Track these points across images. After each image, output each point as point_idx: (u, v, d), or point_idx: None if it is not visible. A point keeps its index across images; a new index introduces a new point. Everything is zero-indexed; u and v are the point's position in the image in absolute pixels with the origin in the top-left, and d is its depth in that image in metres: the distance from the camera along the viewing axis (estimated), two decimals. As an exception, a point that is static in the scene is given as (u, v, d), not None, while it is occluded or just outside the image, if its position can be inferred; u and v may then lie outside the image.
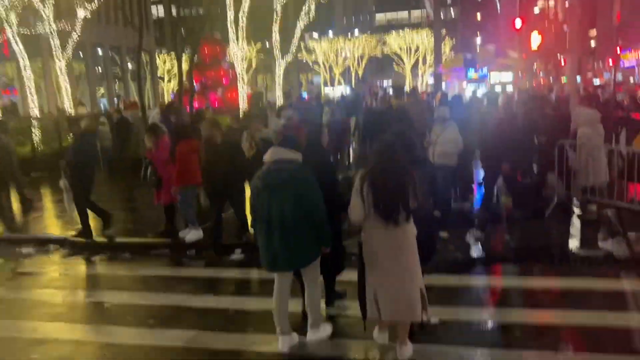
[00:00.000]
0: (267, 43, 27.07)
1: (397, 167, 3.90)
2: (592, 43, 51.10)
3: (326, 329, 4.69)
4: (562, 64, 69.86)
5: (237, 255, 7.15)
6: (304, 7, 15.83)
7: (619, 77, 51.78)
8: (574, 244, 6.82)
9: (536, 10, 58.16)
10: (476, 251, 6.73)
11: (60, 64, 15.65)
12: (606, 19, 67.27)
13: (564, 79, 54.19)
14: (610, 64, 60.96)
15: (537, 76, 51.33)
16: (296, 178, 4.10)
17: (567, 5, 10.71)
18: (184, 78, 17.39)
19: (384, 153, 3.95)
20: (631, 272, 6.05)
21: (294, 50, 15.97)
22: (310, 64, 53.60)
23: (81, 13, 17.28)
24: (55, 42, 15.52)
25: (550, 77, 63.64)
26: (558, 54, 65.87)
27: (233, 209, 7.20)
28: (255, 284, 6.44)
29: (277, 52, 15.88)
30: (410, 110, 9.72)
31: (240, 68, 15.31)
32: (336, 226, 4.65)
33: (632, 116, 9.84)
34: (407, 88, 26.04)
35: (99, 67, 46.66)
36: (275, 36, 15.47)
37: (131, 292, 6.25)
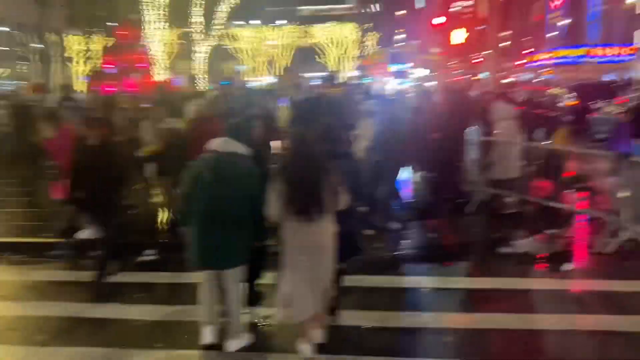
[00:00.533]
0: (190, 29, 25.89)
1: (312, 160, 3.81)
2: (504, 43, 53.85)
3: (247, 338, 4.34)
4: (479, 61, 73.34)
5: (147, 256, 6.52)
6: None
7: (529, 76, 55.23)
8: (494, 241, 6.86)
9: (457, 7, 60.59)
10: (400, 249, 6.58)
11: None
12: (521, 20, 71.20)
13: (480, 76, 56.75)
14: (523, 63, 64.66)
15: (453, 74, 53.41)
16: (250, 175, 3.97)
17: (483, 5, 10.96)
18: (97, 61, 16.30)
19: (298, 146, 3.87)
20: (548, 269, 6.15)
21: (217, 34, 15.19)
22: (234, 51, 52.40)
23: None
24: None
25: (467, 75, 66.76)
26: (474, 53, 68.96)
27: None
28: (166, 290, 5.84)
29: (197, 36, 15.05)
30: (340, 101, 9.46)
31: (157, 50, 14.33)
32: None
33: (549, 114, 10.18)
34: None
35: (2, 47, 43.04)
36: (195, 18, 14.64)
37: (19, 301, 5.47)
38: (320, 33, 51.34)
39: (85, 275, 5.73)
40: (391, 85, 19.89)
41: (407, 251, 6.60)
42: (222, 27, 15.24)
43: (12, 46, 42.84)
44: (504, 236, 6.92)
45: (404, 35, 59.72)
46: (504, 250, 6.64)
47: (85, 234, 6.73)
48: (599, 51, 44.46)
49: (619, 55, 44.02)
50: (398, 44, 41.51)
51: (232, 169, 3.97)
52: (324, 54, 52.05)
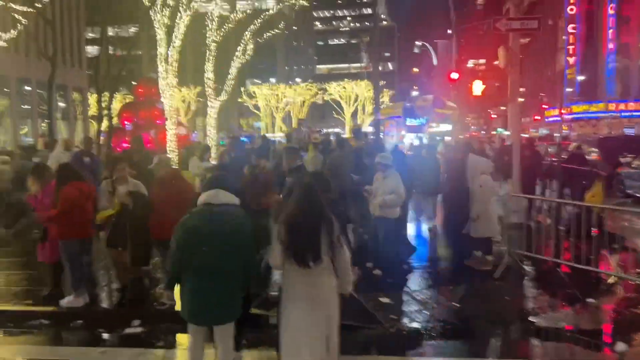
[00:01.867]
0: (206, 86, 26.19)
1: (314, 210, 3.85)
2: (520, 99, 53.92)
3: None
4: (492, 117, 73.66)
5: (135, 328, 5.83)
6: (239, 47, 15.07)
7: (544, 131, 54.98)
8: (527, 312, 6.03)
9: (469, 64, 61.27)
10: (423, 322, 5.75)
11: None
12: (536, 75, 71.64)
13: (497, 131, 56.59)
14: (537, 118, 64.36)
15: (469, 129, 53.32)
16: (242, 225, 3.93)
17: (504, 58, 10.72)
18: (114, 117, 16.34)
19: (301, 196, 3.93)
20: (596, 350, 5.30)
21: (229, 90, 15.07)
22: (251, 107, 53.30)
23: (-1, 43, 15.66)
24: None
25: (482, 131, 66.71)
26: (488, 110, 69.10)
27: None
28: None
29: (209, 91, 14.91)
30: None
31: (168, 105, 14.18)
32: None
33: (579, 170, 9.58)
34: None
35: (26, 104, 44.18)
36: (208, 74, 14.56)
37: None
38: (336, 90, 52.04)
39: (64, 352, 5.04)
40: (407, 139, 19.51)
41: (428, 324, 5.74)
42: (232, 83, 15.11)
43: (35, 104, 43.96)
44: (537, 306, 6.11)
45: (417, 93, 60.31)
46: (538, 322, 5.75)
47: (71, 301, 6.12)
48: (620, 106, 44.09)
49: (638, 110, 43.56)
50: (413, 99, 41.73)
51: (227, 220, 3.88)
52: (341, 110, 52.56)
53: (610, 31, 50.99)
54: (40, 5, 14.91)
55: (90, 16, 50.47)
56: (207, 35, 14.17)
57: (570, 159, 10.62)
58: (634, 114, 43.51)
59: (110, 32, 17.43)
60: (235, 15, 14.73)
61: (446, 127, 21.58)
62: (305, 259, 3.75)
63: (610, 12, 50.78)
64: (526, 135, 26.46)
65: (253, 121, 59.78)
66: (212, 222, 3.83)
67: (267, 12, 15.24)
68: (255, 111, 53.38)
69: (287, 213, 3.91)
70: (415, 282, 6.99)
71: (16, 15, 14.57)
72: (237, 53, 14.82)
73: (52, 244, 6.14)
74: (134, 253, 6.08)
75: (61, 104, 48.72)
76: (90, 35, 54.49)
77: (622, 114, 43.62)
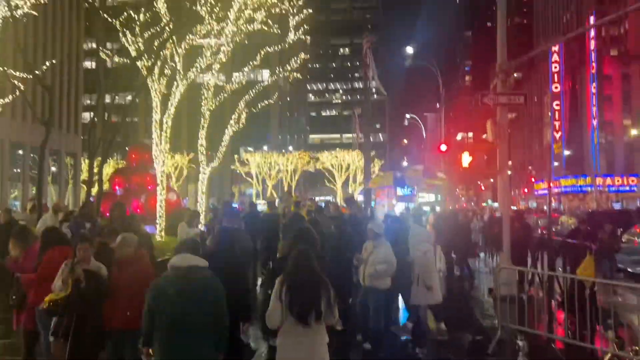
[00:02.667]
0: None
1: (313, 271, 4.22)
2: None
3: None
4: (482, 189, 74.62)
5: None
6: (233, 115, 15.37)
7: (533, 204, 55.56)
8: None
9: (458, 136, 62.80)
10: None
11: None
12: (523, 150, 73.26)
13: (486, 203, 57.09)
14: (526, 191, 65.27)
15: (460, 200, 53.80)
16: (210, 286, 4.11)
17: (492, 131, 11.04)
18: (105, 182, 16.32)
19: (300, 257, 4.28)
20: None
21: (221, 157, 15.21)
22: (244, 175, 53.66)
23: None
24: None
25: (472, 202, 67.37)
26: (478, 181, 70.13)
27: None
28: None
29: (202, 157, 15.03)
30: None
31: (160, 171, 14.22)
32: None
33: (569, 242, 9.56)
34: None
35: (18, 168, 44.26)
36: (201, 141, 14.74)
37: None
38: (328, 159, 52.75)
39: None
40: (397, 208, 19.59)
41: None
42: (224, 150, 15.31)
43: (27, 169, 43.99)
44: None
45: (406, 163, 61.35)
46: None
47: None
48: (607, 180, 44.98)
49: (624, 185, 44.37)
50: (403, 169, 42.39)
51: (192, 283, 4.06)
52: (332, 179, 53.03)
53: (594, 109, 52.95)
54: (39, 73, 15.27)
55: (88, 83, 51.87)
56: (202, 103, 14.48)
57: (572, 233, 10.48)
58: (620, 188, 44.29)
59: (107, 99, 17.80)
60: (230, 85, 15.14)
61: (433, 197, 21.77)
62: (307, 317, 4.02)
63: (593, 90, 52.97)
64: (515, 208, 26.71)
65: (245, 188, 59.98)
66: (176, 283, 4.03)
67: (261, 84, 15.68)
68: (248, 178, 53.70)
69: (287, 272, 4.22)
70: (406, 357, 6.74)
71: (15, 82, 14.86)
72: (231, 121, 15.08)
73: (29, 311, 5.90)
74: (76, 344, 5.02)
75: (53, 169, 48.91)
76: (87, 102, 55.66)
77: (610, 188, 44.41)
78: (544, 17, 71.94)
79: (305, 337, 4.06)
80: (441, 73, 27.40)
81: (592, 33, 51.98)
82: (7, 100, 16.51)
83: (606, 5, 50.44)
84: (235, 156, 54.68)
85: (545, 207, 32.87)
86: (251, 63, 15.38)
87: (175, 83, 13.76)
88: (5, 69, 14.27)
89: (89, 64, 57.17)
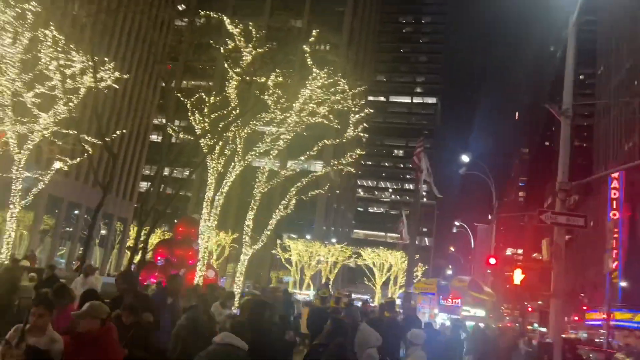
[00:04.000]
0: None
1: None
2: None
3: None
4: (529, 310, 70.75)
5: None
6: (283, 201, 15.52)
7: (584, 334, 51.88)
8: None
9: (508, 251, 60.66)
10: None
11: (12, 211, 14.45)
12: (576, 276, 69.96)
13: (533, 326, 53.81)
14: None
15: (504, 319, 50.99)
16: None
17: (547, 250, 10.63)
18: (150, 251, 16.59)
19: (338, 353, 4.76)
20: None
21: (264, 240, 15.19)
22: (283, 261, 53.37)
23: (56, 165, 16.80)
24: (17, 186, 14.53)
25: (517, 323, 63.63)
26: (525, 302, 66.77)
27: None
28: None
29: (246, 238, 15.07)
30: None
31: (203, 247, 14.29)
32: None
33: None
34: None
35: (70, 227, 45.90)
36: (248, 222, 14.86)
37: None
38: (370, 256, 51.93)
39: None
40: (438, 318, 18.65)
41: None
42: (269, 234, 15.32)
43: (79, 229, 45.57)
44: None
45: (450, 272, 59.45)
46: None
47: None
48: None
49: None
50: (447, 278, 40.96)
51: (226, 358, 4.20)
52: (371, 277, 51.86)
53: (654, 240, 50.40)
54: (108, 139, 16.17)
55: (151, 155, 54.68)
56: (255, 186, 14.77)
57: None
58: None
59: (166, 171, 18.58)
60: (285, 172, 15.46)
61: (479, 312, 20.65)
62: None
63: (653, 221, 50.76)
64: (566, 336, 24.89)
65: (283, 275, 59.36)
66: (212, 356, 4.19)
67: (314, 173, 15.92)
68: (287, 265, 53.27)
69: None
70: None
71: (85, 146, 15.75)
72: (280, 207, 15.22)
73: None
74: None
75: (103, 232, 50.49)
76: (147, 172, 58.29)
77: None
78: (605, 142, 71.44)
79: None
80: (494, 185, 27.17)
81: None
82: (74, 161, 17.40)
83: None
84: (278, 241, 54.86)
85: (597, 340, 30.46)
86: (307, 153, 15.74)
87: (232, 164, 14.19)
88: (77, 133, 15.19)
89: (155, 137, 60.56)
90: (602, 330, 37.77)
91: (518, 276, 9.77)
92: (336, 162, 16.18)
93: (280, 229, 64.71)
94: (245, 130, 14.33)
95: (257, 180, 14.74)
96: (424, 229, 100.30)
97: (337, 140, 16.44)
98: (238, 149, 14.16)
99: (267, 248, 58.98)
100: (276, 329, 6.45)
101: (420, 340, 6.37)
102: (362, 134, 16.33)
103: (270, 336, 6.17)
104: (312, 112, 14.56)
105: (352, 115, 15.70)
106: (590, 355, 22.11)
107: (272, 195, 16.63)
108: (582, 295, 64.01)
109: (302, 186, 16.13)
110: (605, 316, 33.23)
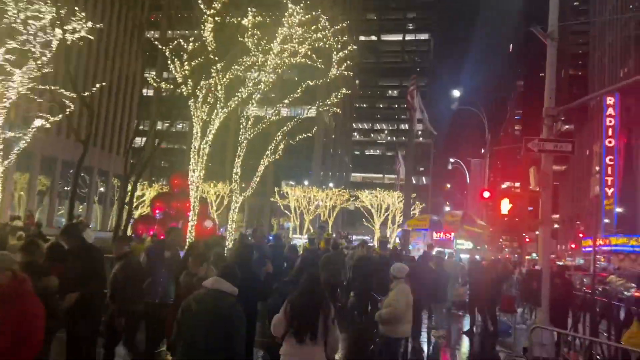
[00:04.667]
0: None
1: (315, 296, 4.72)
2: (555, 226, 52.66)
3: None
4: (526, 240, 72.14)
5: None
6: (270, 146, 15.36)
7: (581, 260, 53.04)
8: None
9: (504, 185, 61.06)
10: None
11: (-2, 171, 14.23)
12: (572, 205, 70.65)
13: (531, 256, 54.92)
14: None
15: (503, 251, 51.98)
16: (230, 312, 4.24)
17: (535, 179, 10.53)
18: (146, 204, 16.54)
19: (307, 284, 4.82)
20: None
21: (254, 186, 15.13)
22: (282, 208, 53.92)
23: (36, 122, 16.44)
24: (-2, 147, 14.27)
25: (515, 254, 64.93)
26: (523, 233, 67.85)
27: None
28: None
29: (235, 186, 14.99)
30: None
31: (193, 198, 14.24)
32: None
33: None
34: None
35: (68, 187, 45.84)
36: (236, 169, 14.73)
37: None
38: (367, 198, 52.22)
39: None
40: (433, 253, 18.87)
41: None
42: (257, 180, 15.22)
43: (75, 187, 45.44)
44: None
45: (449, 209, 59.92)
46: None
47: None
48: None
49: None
50: (441, 214, 41.40)
51: (214, 304, 4.25)
52: (371, 218, 52.36)
53: (650, 165, 50.62)
54: (88, 93, 15.79)
55: (143, 110, 53.92)
56: (240, 132, 14.53)
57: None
58: (676, 251, 41.61)
59: (159, 126, 18.22)
60: (270, 117, 15.17)
61: (468, 245, 20.85)
62: (303, 336, 4.55)
63: (649, 147, 50.77)
64: (561, 263, 25.37)
65: (284, 221, 60.02)
66: (200, 303, 4.26)
67: (300, 116, 15.62)
68: (286, 212, 53.71)
69: (294, 295, 4.76)
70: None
71: (66, 102, 15.38)
72: (267, 152, 15.06)
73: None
74: None
75: (102, 189, 50.53)
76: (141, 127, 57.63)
77: (664, 250, 41.80)
78: (600, 69, 70.36)
79: (301, 351, 4.55)
80: (490, 120, 26.85)
81: (651, 88, 50.25)
82: (56, 119, 17.05)
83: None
84: (277, 189, 55.11)
85: (586, 264, 31.08)
86: (291, 96, 15.41)
87: (215, 111, 13.90)
88: (56, 88, 14.78)
89: (145, 92, 59.54)
90: (598, 256, 38.58)
91: (505, 206, 9.78)
92: (321, 103, 15.82)
93: (279, 178, 64.84)
94: (228, 76, 13.91)
95: (241, 126, 14.48)
96: (421, 168, 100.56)
97: (322, 80, 16.02)
98: (219, 95, 13.79)
99: (266, 197, 59.23)
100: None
101: (402, 273, 6.38)
102: (348, 73, 15.89)
103: (251, 276, 6.23)
104: (294, 52, 14.10)
105: (335, 53, 15.25)
106: (584, 280, 22.60)
107: (267, 142, 16.41)
108: (579, 223, 64.95)
109: (291, 131, 15.90)
110: (593, 242, 33.83)
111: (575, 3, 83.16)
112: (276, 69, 14.58)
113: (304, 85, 15.45)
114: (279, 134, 15.09)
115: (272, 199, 55.57)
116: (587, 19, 71.07)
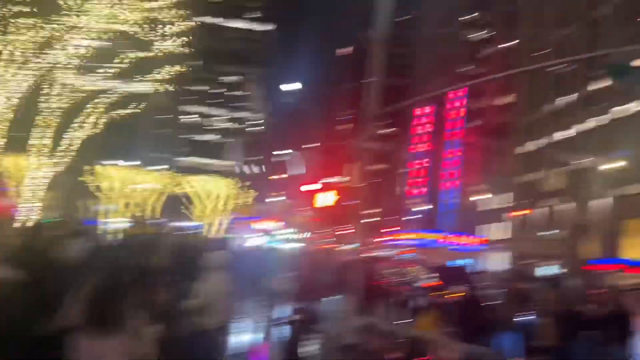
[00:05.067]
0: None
1: (116, 283, 4.47)
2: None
3: None
4: (348, 232, 77.43)
5: None
6: (79, 119, 13.84)
7: (381, 253, 58.73)
8: None
9: (335, 179, 65.17)
10: None
11: None
12: (385, 200, 77.03)
13: (352, 245, 58.80)
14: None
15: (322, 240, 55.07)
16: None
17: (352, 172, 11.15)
18: None
19: (106, 272, 4.62)
20: None
21: (58, 162, 13.54)
22: (93, 189, 49.11)
23: None
24: None
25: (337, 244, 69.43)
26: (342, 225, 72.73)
27: None
28: None
29: (32, 159, 13.18)
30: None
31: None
32: None
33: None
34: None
35: None
36: (35, 141, 12.95)
37: None
38: (195, 184, 50.78)
39: None
40: (257, 241, 19.01)
41: None
42: (62, 153, 13.68)
43: None
44: None
45: (282, 198, 61.60)
46: None
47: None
48: (453, 239, 48.96)
49: (469, 245, 48.49)
50: (271, 202, 42.21)
51: None
52: (192, 205, 50.90)
53: (446, 172, 58.46)
54: None
55: None
56: (43, 99, 12.82)
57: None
58: (465, 248, 48.31)
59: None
60: (81, 86, 13.65)
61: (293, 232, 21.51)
62: (105, 325, 4.15)
63: (447, 155, 58.53)
64: (374, 254, 27.40)
65: (93, 204, 54.85)
66: None
67: (117, 90, 14.34)
68: (98, 193, 49.01)
69: (93, 284, 4.38)
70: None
71: None
72: (74, 125, 13.56)
73: None
74: None
75: None
76: None
77: (450, 247, 48.62)
78: (423, 81, 77.71)
79: (100, 340, 4.20)
80: (326, 116, 27.82)
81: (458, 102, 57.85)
82: None
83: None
84: (90, 167, 49.52)
85: (391, 256, 34.32)
86: (115, 65, 14.10)
87: (12, 70, 12.02)
88: None
89: None
90: (396, 249, 43.51)
91: (322, 200, 10.14)
92: (144, 77, 14.68)
93: (94, 155, 58.94)
94: (31, 33, 12.09)
95: (44, 93, 12.77)
96: (256, 157, 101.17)
97: (153, 53, 14.88)
98: (17, 52, 11.92)
99: (77, 174, 53.31)
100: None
101: (210, 262, 6.15)
102: (184, 50, 15.02)
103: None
104: (112, 16, 12.80)
105: (170, 26, 14.32)
106: (385, 270, 24.67)
107: (87, 115, 14.71)
108: (391, 218, 71.25)
109: (118, 105, 14.57)
110: (390, 237, 37.61)
111: (407, 17, 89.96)
112: (99, 35, 13.17)
113: (132, 57, 14.25)
114: (88, 106, 13.63)
115: (79, 179, 50.25)
116: (416, 34, 77.69)
